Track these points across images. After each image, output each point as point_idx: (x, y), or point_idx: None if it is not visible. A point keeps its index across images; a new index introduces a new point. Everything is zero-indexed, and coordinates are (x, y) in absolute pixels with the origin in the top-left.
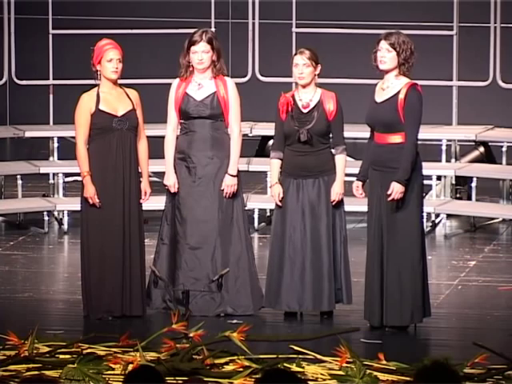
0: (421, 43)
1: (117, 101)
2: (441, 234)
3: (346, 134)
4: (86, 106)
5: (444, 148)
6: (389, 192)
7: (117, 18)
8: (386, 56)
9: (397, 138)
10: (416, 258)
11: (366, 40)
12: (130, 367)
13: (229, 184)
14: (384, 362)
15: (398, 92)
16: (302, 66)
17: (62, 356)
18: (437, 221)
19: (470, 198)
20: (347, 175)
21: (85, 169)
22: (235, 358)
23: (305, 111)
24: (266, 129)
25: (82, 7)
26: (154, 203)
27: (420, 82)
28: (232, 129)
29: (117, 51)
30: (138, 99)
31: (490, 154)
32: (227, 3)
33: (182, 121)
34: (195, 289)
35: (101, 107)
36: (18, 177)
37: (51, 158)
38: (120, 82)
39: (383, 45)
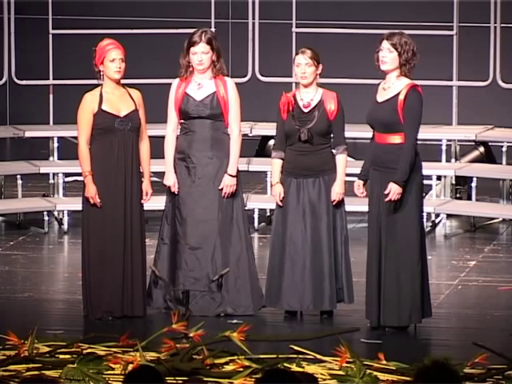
0: (421, 43)
1: (119, 101)
2: (441, 234)
3: (346, 134)
4: (88, 105)
5: (444, 148)
6: (386, 192)
7: (117, 18)
8: (387, 56)
9: (396, 139)
10: (414, 258)
11: (366, 40)
12: (130, 367)
13: (228, 184)
14: (384, 362)
15: (399, 93)
16: (304, 65)
17: (62, 356)
18: (437, 221)
19: (470, 198)
20: (347, 175)
21: (86, 168)
22: (235, 357)
23: (306, 111)
24: (266, 129)
25: (81, 7)
26: (154, 203)
27: (420, 82)
28: (232, 129)
29: (119, 51)
30: (140, 99)
31: (489, 154)
32: (227, 3)
33: (182, 121)
34: (195, 289)
35: (103, 107)
36: (18, 177)
37: (51, 158)
38: (121, 81)
39: (385, 45)
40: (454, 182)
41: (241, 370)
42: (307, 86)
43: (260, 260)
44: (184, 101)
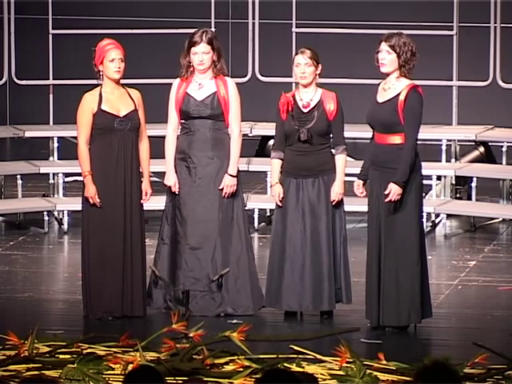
0: (421, 43)
1: (119, 101)
2: (441, 234)
3: (346, 134)
4: (88, 105)
5: (444, 148)
6: (386, 192)
7: (117, 18)
8: (386, 58)
9: (396, 139)
10: (413, 258)
11: (366, 40)
12: (130, 367)
13: (228, 184)
14: (384, 362)
15: (399, 93)
16: (303, 65)
17: (61, 356)
18: (437, 221)
19: (470, 198)
20: (347, 175)
21: (86, 168)
22: (235, 357)
23: (305, 111)
24: (266, 129)
25: (82, 7)
26: (154, 203)
27: (420, 82)
28: (232, 129)
29: (119, 51)
30: (140, 99)
31: (490, 154)
32: (227, 3)
33: (183, 121)
34: (195, 289)
35: (103, 107)
36: (18, 177)
37: (51, 158)
38: (121, 81)
39: (383, 46)
40: (454, 181)
41: (241, 370)
42: (307, 86)
43: (260, 260)
44: (185, 101)
